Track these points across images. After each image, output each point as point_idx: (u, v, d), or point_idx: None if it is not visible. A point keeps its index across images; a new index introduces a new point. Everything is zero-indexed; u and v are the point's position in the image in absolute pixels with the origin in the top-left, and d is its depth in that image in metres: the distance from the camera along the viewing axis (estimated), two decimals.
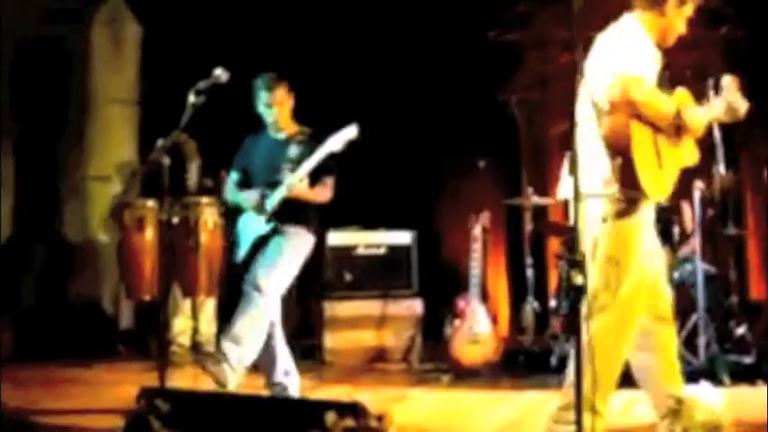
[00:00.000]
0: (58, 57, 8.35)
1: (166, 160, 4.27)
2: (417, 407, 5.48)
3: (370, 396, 5.05)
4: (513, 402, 5.59)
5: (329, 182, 5.10)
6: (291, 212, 5.04)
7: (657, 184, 3.78)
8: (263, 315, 4.91)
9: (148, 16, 8.38)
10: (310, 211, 5.14)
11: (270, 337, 5.01)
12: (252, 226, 5.13)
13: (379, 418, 2.70)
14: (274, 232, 5.04)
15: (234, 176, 5.32)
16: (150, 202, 7.27)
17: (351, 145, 4.96)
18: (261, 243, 5.06)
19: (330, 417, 2.69)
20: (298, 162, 5.02)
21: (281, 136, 5.23)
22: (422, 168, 7.41)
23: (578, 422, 2.94)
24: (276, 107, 5.12)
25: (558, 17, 7.24)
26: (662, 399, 4.11)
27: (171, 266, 6.06)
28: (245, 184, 5.24)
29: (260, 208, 5.05)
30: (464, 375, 6.27)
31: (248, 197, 5.15)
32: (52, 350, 7.26)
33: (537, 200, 6.94)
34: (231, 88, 4.59)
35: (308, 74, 6.07)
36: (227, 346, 4.87)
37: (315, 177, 5.03)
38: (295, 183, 4.92)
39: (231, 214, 5.44)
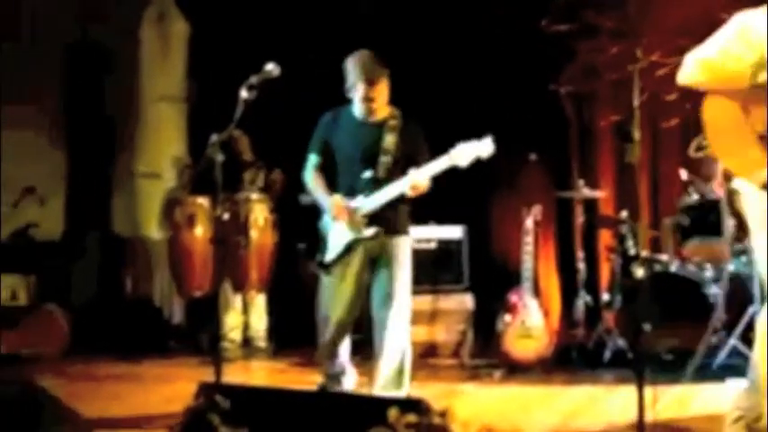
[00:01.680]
0: (104, 57, 8.42)
1: (220, 156, 4.25)
2: (469, 402, 5.45)
3: (421, 391, 5.02)
4: (566, 397, 5.55)
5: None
6: (395, 219, 4.79)
7: None
8: (405, 357, 4.80)
9: (195, 13, 8.42)
10: (409, 215, 4.91)
11: (345, 338, 4.93)
12: (342, 228, 4.80)
13: (442, 414, 2.67)
14: (375, 239, 4.74)
15: (313, 159, 4.88)
16: (201, 199, 7.31)
17: None
18: (356, 247, 4.77)
19: (393, 412, 2.67)
20: (395, 153, 4.71)
21: (372, 120, 4.78)
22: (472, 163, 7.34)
23: None
24: (377, 100, 4.71)
25: (607, 7, 7.17)
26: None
27: (223, 262, 6.06)
28: (326, 168, 4.87)
29: (351, 223, 4.70)
30: (516, 370, 6.23)
31: (331, 204, 4.75)
32: (104, 345, 7.34)
33: (588, 192, 6.86)
34: (279, 83, 4.53)
35: None
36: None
37: (403, 170, 4.70)
38: (414, 183, 4.60)
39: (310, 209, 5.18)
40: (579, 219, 7.02)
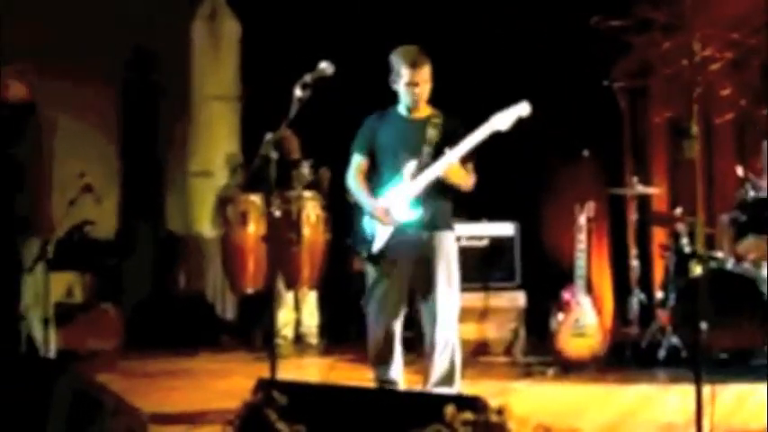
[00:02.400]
0: (156, 57, 8.52)
1: (274, 154, 4.27)
2: (522, 400, 5.41)
3: (473, 389, 5.00)
4: (621, 396, 5.50)
5: (471, 168, 4.77)
6: (438, 213, 4.78)
7: None
8: (455, 354, 4.82)
9: (246, 12, 8.48)
10: (451, 211, 4.88)
11: (395, 336, 4.91)
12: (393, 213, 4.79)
13: (499, 412, 2.66)
14: (420, 230, 4.74)
15: (357, 159, 4.89)
16: (253, 197, 7.36)
17: None
18: (401, 237, 4.75)
19: (449, 410, 2.66)
20: (437, 144, 4.70)
21: (416, 117, 4.83)
22: (524, 158, 7.31)
23: None
24: (421, 86, 4.71)
25: (660, 1, 7.08)
26: None
27: (276, 259, 6.09)
28: (371, 168, 4.89)
29: (388, 221, 4.73)
30: (570, 368, 6.18)
31: (373, 205, 4.78)
32: (157, 341, 7.43)
33: (642, 189, 6.79)
34: (329, 81, 4.54)
35: None
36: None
37: (461, 162, 4.68)
38: (450, 164, 4.59)
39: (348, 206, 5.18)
40: (633, 216, 6.94)
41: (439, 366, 4.79)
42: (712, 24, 6.72)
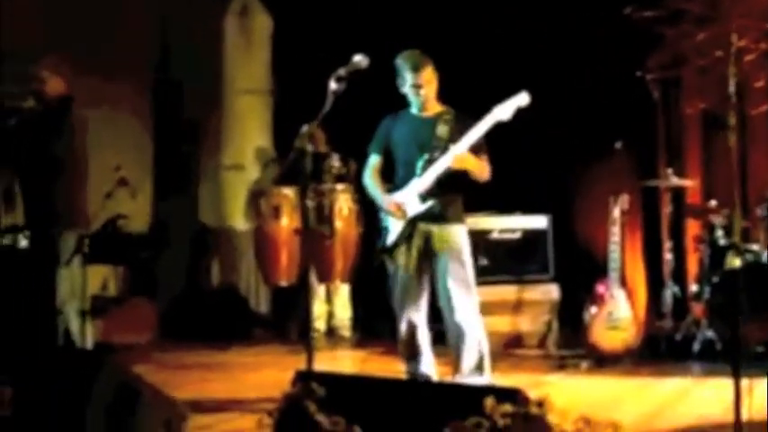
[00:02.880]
0: (188, 52, 8.55)
1: (309, 147, 4.29)
2: (556, 393, 5.38)
3: (506, 382, 5.00)
4: (656, 390, 5.49)
5: (486, 160, 4.88)
6: (448, 205, 4.88)
7: None
8: (478, 343, 4.85)
9: (278, 6, 8.50)
10: (461, 205, 4.97)
11: (419, 328, 4.95)
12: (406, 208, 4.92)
13: (540, 404, 2.66)
14: (431, 222, 4.85)
15: (373, 159, 5.10)
16: (286, 190, 7.39)
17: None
18: (413, 230, 4.88)
19: (489, 402, 2.66)
20: (447, 140, 4.82)
21: (427, 115, 4.98)
22: (557, 151, 7.28)
23: None
24: (425, 87, 4.88)
25: None
26: None
27: (310, 252, 6.12)
28: (386, 166, 5.06)
29: (400, 215, 4.86)
30: (603, 362, 6.16)
31: (385, 200, 4.94)
32: (191, 334, 7.47)
33: (676, 181, 6.74)
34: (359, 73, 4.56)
35: (441, 58, 6.00)
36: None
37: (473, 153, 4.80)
38: (459, 155, 4.71)
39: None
40: (667, 208, 6.90)
41: (465, 356, 4.85)
42: (745, 15, 6.67)
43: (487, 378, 4.88)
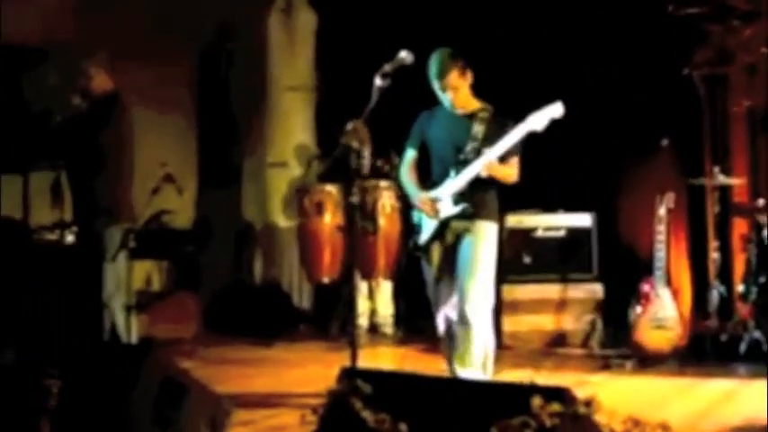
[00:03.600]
0: (232, 49, 8.61)
1: (355, 144, 4.29)
2: (601, 393, 5.34)
3: (549, 381, 4.96)
4: (701, 391, 5.43)
5: (516, 162, 4.80)
6: (481, 204, 4.81)
7: None
8: (483, 338, 4.79)
9: (322, 4, 8.51)
10: (496, 202, 4.90)
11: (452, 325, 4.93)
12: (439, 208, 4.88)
13: (587, 404, 2.63)
14: (462, 220, 4.80)
15: (409, 154, 5.05)
16: (329, 187, 7.41)
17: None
18: (445, 229, 4.86)
19: (536, 401, 2.63)
20: (482, 140, 4.76)
21: (463, 112, 4.89)
22: (602, 148, 7.22)
23: None
24: (449, 92, 4.80)
25: None
26: None
27: (353, 248, 6.12)
28: (421, 162, 5.02)
29: (433, 214, 4.83)
30: (648, 361, 6.09)
31: (418, 197, 4.92)
32: (234, 329, 7.51)
33: (723, 179, 6.66)
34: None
35: (486, 56, 5.97)
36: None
37: (502, 157, 4.73)
38: (489, 162, 4.65)
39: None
40: (713, 207, 6.81)
41: (469, 351, 4.76)
42: None
43: (488, 378, 4.82)
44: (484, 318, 4.79)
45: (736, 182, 6.89)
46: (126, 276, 5.58)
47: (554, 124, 4.78)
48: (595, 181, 7.19)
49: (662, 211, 6.25)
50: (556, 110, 4.66)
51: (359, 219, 6.71)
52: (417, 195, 4.93)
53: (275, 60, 8.57)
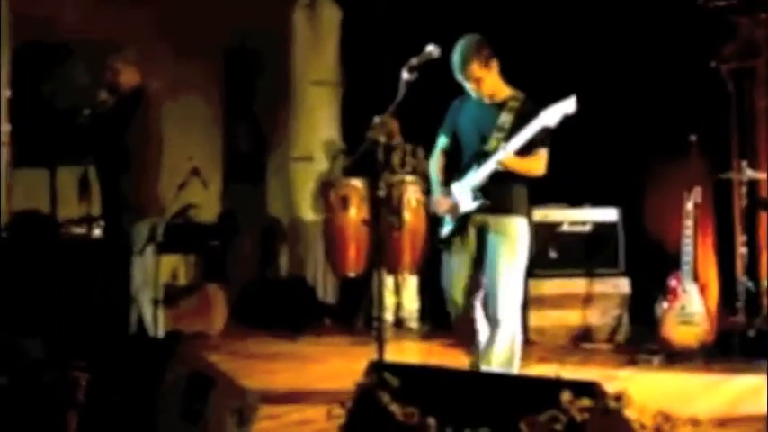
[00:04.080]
0: (257, 45, 8.62)
1: (382, 138, 4.29)
2: (628, 388, 5.32)
3: (576, 376, 4.94)
4: (728, 387, 5.39)
5: (543, 154, 4.69)
6: (505, 198, 4.72)
7: None
8: (514, 340, 4.76)
9: None
10: (524, 196, 4.81)
11: (477, 321, 4.87)
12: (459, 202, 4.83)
13: (617, 398, 2.62)
14: (484, 214, 4.72)
15: (442, 141, 4.96)
16: (354, 181, 7.41)
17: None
18: (467, 223, 4.78)
19: (566, 395, 2.63)
20: (508, 131, 4.65)
21: (492, 101, 4.78)
22: (628, 143, 7.18)
23: None
24: (470, 83, 4.71)
25: None
26: None
27: (379, 243, 6.13)
28: (453, 149, 4.93)
29: (450, 213, 4.79)
30: (675, 357, 6.06)
31: (435, 199, 4.88)
32: (260, 323, 7.54)
33: (750, 174, 6.60)
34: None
35: (513, 50, 5.92)
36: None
37: (526, 150, 4.63)
38: (505, 155, 4.57)
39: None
40: (741, 201, 6.76)
41: (496, 348, 4.72)
42: None
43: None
44: (513, 316, 4.74)
45: (764, 176, 6.84)
46: (153, 270, 5.61)
47: (580, 118, 4.74)
48: (621, 175, 7.14)
49: (689, 205, 6.22)
50: (568, 105, 4.56)
51: (385, 213, 6.71)
52: (437, 193, 4.89)
53: (300, 55, 8.58)
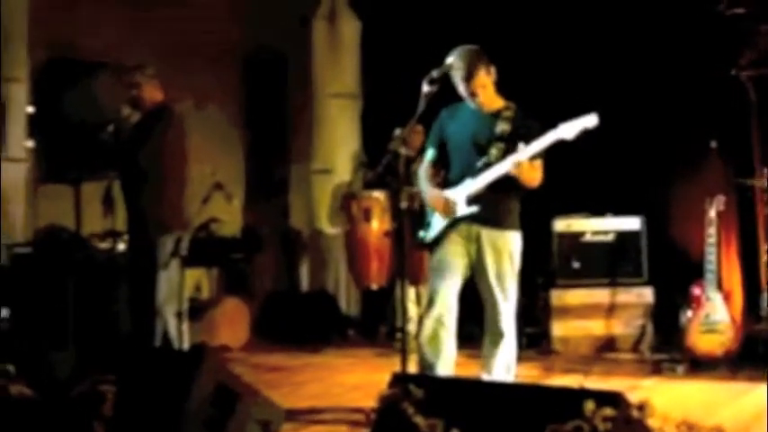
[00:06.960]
0: (277, 57, 8.67)
1: (403, 150, 4.31)
2: (652, 398, 5.29)
3: (601, 386, 4.93)
4: (753, 395, 5.33)
5: (540, 165, 4.60)
6: (504, 211, 4.69)
7: None
8: (511, 346, 4.75)
9: (367, 11, 8.55)
10: (517, 211, 4.75)
11: (445, 327, 4.80)
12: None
13: (641, 408, 2.62)
14: (484, 226, 4.66)
15: (429, 154, 4.85)
16: (376, 193, 7.43)
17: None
18: (452, 230, 4.70)
19: (589, 405, 2.63)
20: (505, 140, 4.59)
21: (486, 111, 4.70)
22: (651, 151, 7.18)
23: None
24: (479, 92, 4.62)
25: None
26: None
27: (402, 255, 6.13)
28: (442, 161, 4.83)
29: (448, 213, 4.68)
30: (700, 366, 6.04)
31: (431, 194, 4.77)
32: (283, 336, 7.56)
33: None
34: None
35: (534, 60, 5.98)
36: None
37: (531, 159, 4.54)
38: (518, 161, 4.46)
39: None
40: (764, 209, 6.73)
41: (497, 359, 4.73)
42: None
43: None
44: (511, 328, 4.74)
45: None
46: (178, 284, 5.63)
47: (601, 127, 4.73)
48: (644, 184, 7.13)
49: (712, 213, 6.20)
50: (590, 121, 4.49)
51: (407, 225, 6.70)
52: (431, 193, 4.78)
53: (320, 68, 8.62)
